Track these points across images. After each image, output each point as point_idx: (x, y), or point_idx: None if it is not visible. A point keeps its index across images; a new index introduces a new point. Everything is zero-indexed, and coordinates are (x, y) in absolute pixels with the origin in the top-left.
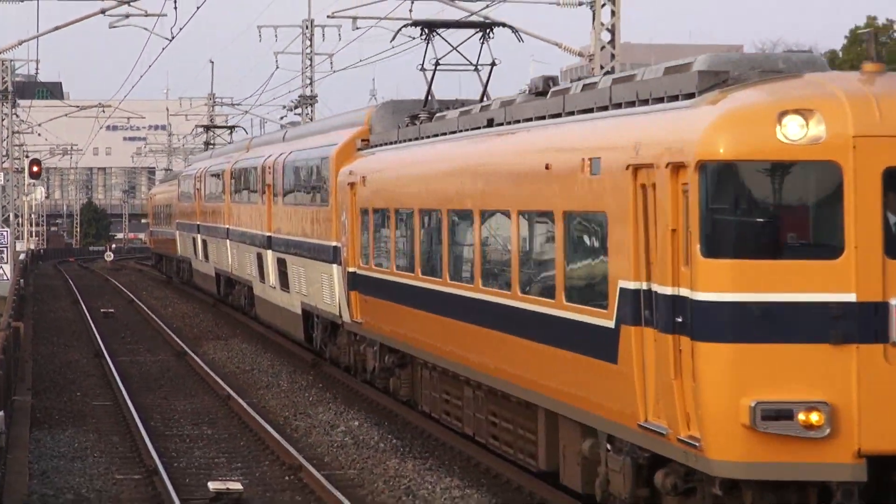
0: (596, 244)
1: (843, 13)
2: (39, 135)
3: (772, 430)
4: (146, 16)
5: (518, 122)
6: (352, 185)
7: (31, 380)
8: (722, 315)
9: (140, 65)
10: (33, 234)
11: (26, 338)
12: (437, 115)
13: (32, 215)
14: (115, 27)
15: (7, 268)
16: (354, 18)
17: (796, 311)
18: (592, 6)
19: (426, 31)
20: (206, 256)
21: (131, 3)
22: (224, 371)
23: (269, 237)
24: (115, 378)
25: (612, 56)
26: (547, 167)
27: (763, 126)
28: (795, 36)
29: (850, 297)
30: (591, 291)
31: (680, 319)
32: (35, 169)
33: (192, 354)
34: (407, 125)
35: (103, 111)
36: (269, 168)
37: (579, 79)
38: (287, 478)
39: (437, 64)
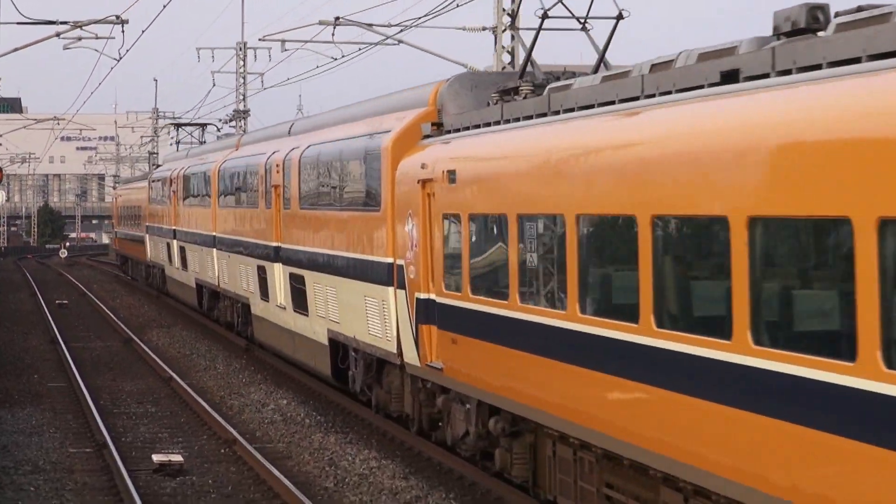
0: None
1: None
2: (0, 144)
3: None
4: (96, 38)
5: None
6: (425, 182)
7: None
8: None
9: (91, 82)
10: None
11: None
12: (555, 85)
13: None
14: (68, 48)
15: None
16: (283, 41)
17: None
18: (494, 31)
19: None
20: (183, 264)
21: (83, 27)
22: (166, 355)
23: (278, 248)
24: (69, 362)
25: None
26: None
27: None
28: None
29: None
30: None
31: None
32: None
33: (138, 341)
34: (500, 101)
35: (58, 123)
36: (278, 166)
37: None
38: (223, 451)
39: (544, 15)
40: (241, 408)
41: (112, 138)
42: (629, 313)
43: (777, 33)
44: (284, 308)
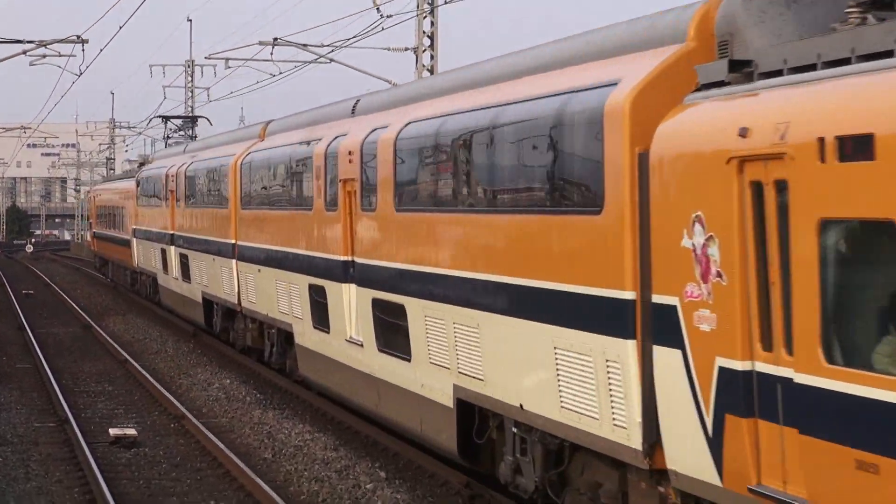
0: None
1: None
2: None
3: None
4: (59, 56)
5: None
6: (746, 162)
7: None
8: None
9: (54, 95)
10: None
11: None
12: None
13: None
14: (34, 65)
15: None
16: (227, 59)
17: None
18: (416, 51)
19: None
20: (184, 275)
21: (48, 46)
22: (122, 340)
23: (349, 263)
24: (34, 346)
25: None
26: None
27: None
28: None
29: None
30: None
31: None
32: None
33: (96, 327)
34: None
35: (24, 132)
36: (351, 154)
37: None
38: (172, 425)
39: None
40: (188, 387)
41: (73, 145)
42: None
43: None
44: (361, 345)
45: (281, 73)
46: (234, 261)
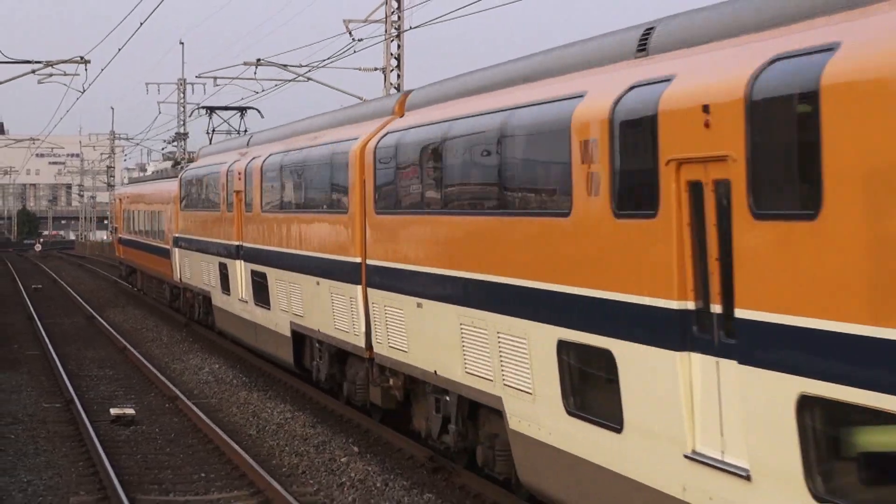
0: None
1: None
2: None
3: None
4: (64, 75)
5: None
6: None
7: None
8: None
9: (60, 110)
10: None
11: None
12: None
13: None
14: (42, 83)
15: None
16: (215, 78)
17: None
18: (384, 71)
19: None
20: (259, 298)
21: (54, 66)
22: (121, 329)
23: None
24: (43, 334)
25: None
26: None
27: None
28: None
29: None
30: None
31: None
32: None
33: (99, 318)
34: None
35: (34, 143)
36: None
37: None
38: (167, 405)
39: None
40: (181, 371)
41: (77, 155)
42: None
43: None
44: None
45: (263, 90)
46: (358, 287)
